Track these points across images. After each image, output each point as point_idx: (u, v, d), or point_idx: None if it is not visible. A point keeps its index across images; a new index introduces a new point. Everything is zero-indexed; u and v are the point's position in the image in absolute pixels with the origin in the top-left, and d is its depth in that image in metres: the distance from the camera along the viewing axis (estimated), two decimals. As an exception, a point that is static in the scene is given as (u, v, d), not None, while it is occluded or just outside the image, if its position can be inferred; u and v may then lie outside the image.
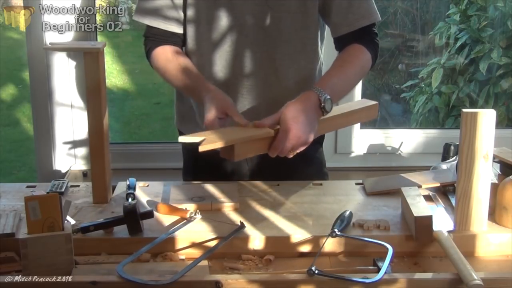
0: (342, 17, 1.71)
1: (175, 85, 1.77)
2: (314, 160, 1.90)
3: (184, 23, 1.76)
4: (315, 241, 1.41)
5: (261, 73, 1.74)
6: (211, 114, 1.54)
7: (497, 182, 1.58)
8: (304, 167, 1.85)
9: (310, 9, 1.71)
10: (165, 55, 1.74)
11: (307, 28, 1.73)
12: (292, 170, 1.81)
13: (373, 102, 1.73)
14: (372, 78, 3.39)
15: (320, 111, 1.56)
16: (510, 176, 1.49)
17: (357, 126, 2.57)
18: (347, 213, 1.49)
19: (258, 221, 1.50)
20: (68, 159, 2.52)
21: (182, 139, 1.44)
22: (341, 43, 1.75)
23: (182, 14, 1.75)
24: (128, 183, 1.64)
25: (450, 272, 1.29)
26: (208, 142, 1.41)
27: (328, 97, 1.56)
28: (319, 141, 1.91)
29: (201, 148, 1.39)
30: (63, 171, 2.51)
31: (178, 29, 1.76)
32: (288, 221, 1.50)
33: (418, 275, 1.29)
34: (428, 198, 1.61)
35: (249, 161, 1.84)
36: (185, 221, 1.49)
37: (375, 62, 1.75)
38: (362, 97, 2.56)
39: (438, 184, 1.68)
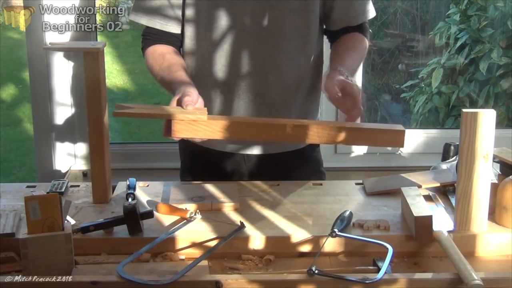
0: (342, 15, 1.76)
1: (159, 82, 1.74)
2: (311, 159, 1.90)
3: (182, 23, 1.76)
4: (315, 241, 1.41)
5: (262, 72, 1.74)
6: (173, 103, 1.50)
7: (497, 182, 1.58)
8: (302, 166, 1.85)
9: (311, 8, 1.72)
10: (153, 55, 1.73)
11: (308, 27, 1.73)
12: (290, 169, 1.81)
13: (399, 127, 1.48)
14: (372, 78, 3.39)
15: None
16: (510, 176, 1.49)
17: (357, 126, 2.56)
18: (347, 213, 1.49)
19: (258, 221, 1.50)
20: (68, 159, 2.52)
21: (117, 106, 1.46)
22: (336, 34, 1.79)
23: (179, 14, 1.74)
24: (128, 183, 1.64)
25: (450, 272, 1.29)
26: (126, 109, 1.44)
27: None
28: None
29: (114, 114, 1.45)
30: (63, 171, 2.51)
31: (175, 29, 1.75)
32: (288, 221, 1.50)
33: (418, 275, 1.29)
34: (428, 198, 1.61)
35: (247, 161, 1.84)
36: (185, 221, 1.48)
37: None
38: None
39: (438, 184, 1.68)
